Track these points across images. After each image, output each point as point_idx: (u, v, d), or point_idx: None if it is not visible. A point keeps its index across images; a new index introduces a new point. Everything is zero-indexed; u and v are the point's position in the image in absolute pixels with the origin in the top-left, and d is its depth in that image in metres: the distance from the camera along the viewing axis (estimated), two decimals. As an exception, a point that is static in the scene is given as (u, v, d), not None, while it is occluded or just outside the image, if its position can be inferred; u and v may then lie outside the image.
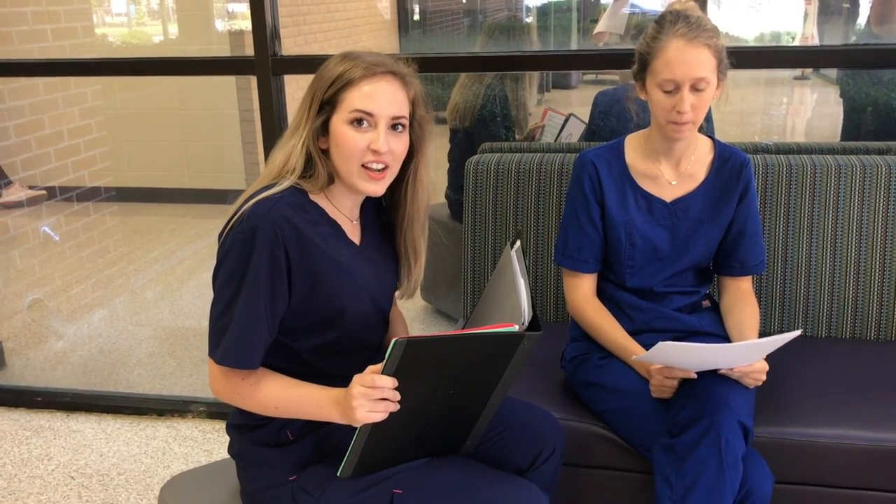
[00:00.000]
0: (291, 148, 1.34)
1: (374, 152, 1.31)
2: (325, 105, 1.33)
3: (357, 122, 1.31)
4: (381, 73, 1.32)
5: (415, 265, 1.50)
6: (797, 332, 1.44)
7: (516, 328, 1.23)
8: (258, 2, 2.21)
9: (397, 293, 1.54)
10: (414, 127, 1.39)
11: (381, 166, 1.33)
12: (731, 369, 1.50)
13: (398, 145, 1.34)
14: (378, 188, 1.35)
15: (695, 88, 1.53)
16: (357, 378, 1.22)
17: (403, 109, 1.34)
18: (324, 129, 1.34)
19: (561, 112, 3.03)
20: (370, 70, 1.31)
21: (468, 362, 1.25)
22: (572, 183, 1.74)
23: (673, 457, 1.46)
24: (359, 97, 1.30)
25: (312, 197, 1.36)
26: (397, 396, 1.20)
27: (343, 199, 1.40)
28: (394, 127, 1.33)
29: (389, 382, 1.19)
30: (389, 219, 1.50)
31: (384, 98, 1.31)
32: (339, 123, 1.32)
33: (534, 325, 1.26)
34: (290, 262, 1.30)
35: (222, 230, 1.33)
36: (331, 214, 1.39)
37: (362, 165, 1.32)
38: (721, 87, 1.59)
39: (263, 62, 2.25)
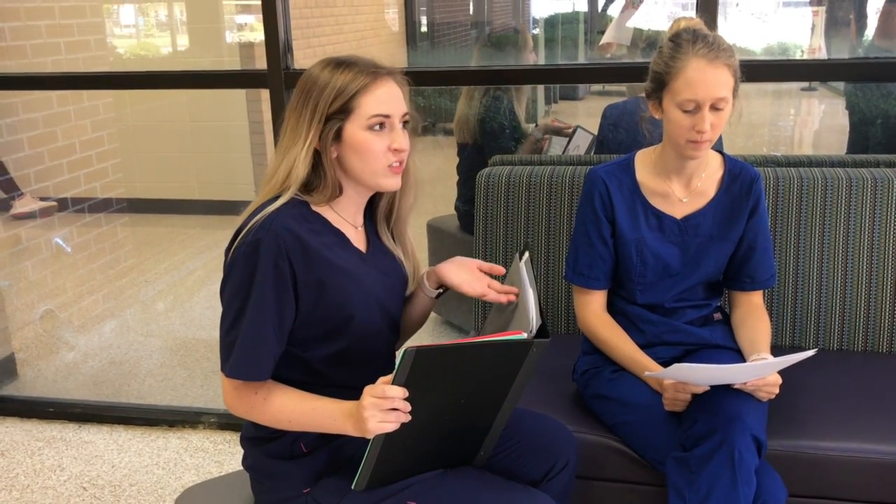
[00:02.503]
0: (294, 159, 1.35)
1: (396, 151, 1.36)
2: (333, 115, 1.34)
3: (378, 125, 1.34)
4: (384, 75, 1.36)
5: (409, 259, 1.54)
6: (812, 352, 1.45)
7: (524, 336, 1.24)
8: (271, 16, 2.24)
9: None
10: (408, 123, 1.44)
11: (399, 162, 1.38)
12: (745, 383, 1.50)
13: (408, 141, 1.40)
14: (398, 181, 1.40)
15: (714, 108, 1.53)
16: (368, 389, 1.23)
17: (408, 106, 1.40)
18: (333, 139, 1.36)
19: (568, 124, 3.04)
20: (375, 74, 1.35)
21: (478, 371, 1.26)
22: (583, 200, 1.74)
23: (686, 470, 1.46)
24: (374, 102, 1.34)
25: (314, 207, 1.38)
26: (408, 406, 1.21)
27: (347, 207, 1.42)
28: (403, 124, 1.39)
29: (400, 392, 1.20)
30: (374, 215, 1.50)
31: (395, 99, 1.37)
32: (357, 130, 1.34)
33: (542, 332, 1.26)
34: (295, 273, 1.31)
35: (228, 245, 1.34)
36: (334, 223, 1.40)
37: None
38: (734, 104, 1.59)
39: (276, 76, 2.27)
